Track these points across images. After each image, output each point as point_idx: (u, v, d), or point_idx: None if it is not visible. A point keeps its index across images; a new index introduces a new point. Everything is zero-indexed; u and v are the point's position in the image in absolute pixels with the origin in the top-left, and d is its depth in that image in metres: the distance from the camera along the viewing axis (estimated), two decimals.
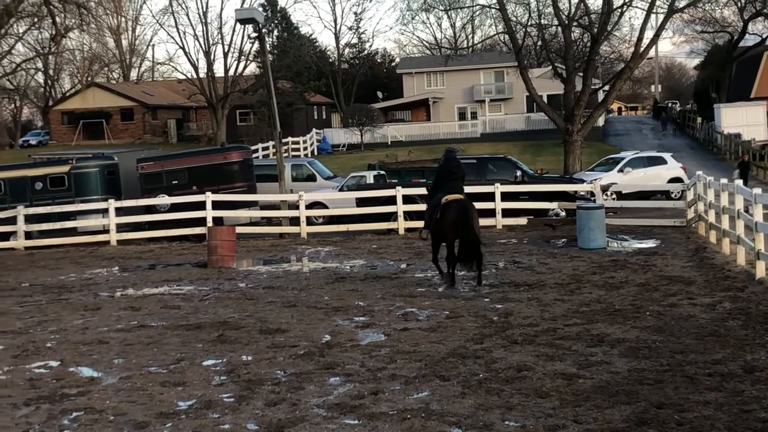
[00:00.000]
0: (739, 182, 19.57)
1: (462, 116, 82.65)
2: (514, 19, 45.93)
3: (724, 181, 20.43)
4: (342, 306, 15.70)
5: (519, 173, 30.22)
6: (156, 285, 19.92)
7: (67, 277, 22.35)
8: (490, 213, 28.07)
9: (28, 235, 30.44)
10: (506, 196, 28.27)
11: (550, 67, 48.66)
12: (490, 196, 27.94)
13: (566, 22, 42.49)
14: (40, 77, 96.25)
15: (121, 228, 30.38)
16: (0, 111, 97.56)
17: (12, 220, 30.33)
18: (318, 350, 12.20)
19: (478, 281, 17.68)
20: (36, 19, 35.05)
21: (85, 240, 30.25)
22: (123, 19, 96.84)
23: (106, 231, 30.11)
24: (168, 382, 10.87)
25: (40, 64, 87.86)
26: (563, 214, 28.80)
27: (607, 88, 46.98)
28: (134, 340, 13.49)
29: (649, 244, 23.28)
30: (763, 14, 66.72)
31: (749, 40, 72.34)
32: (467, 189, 27.88)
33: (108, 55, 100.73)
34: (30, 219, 30.46)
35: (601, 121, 66.32)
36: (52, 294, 19.21)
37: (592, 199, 27.19)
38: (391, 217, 28.74)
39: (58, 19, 32.67)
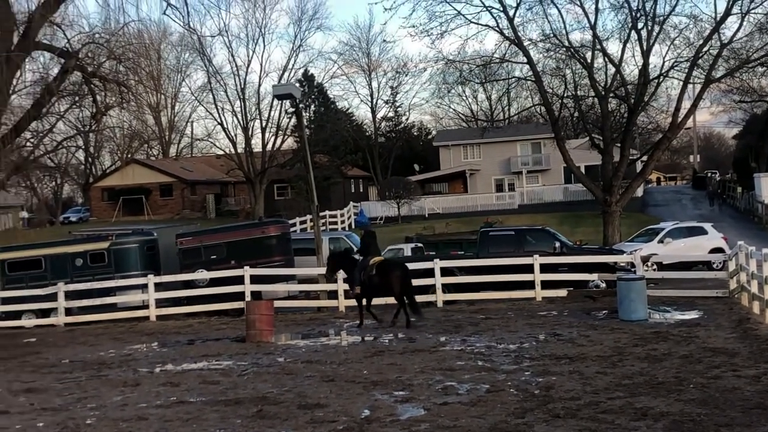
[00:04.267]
0: None
1: (499, 188, 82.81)
2: (550, 90, 46.17)
3: (766, 251, 20.21)
4: (381, 380, 15.57)
5: (558, 245, 30.11)
6: (195, 360, 19.88)
7: (107, 353, 22.38)
8: (530, 285, 27.94)
9: (69, 312, 30.66)
10: (545, 268, 28.06)
11: (588, 138, 48.64)
12: (529, 268, 27.81)
13: (603, 93, 42.60)
14: (80, 155, 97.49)
15: (160, 303, 30.46)
16: (41, 189, 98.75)
17: (53, 297, 30.58)
18: (357, 425, 12.07)
19: (407, 324, 23.04)
20: (77, 98, 35.49)
21: (124, 316, 30.36)
22: (162, 97, 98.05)
23: (145, 306, 30.22)
24: None
25: (80, 142, 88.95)
26: (603, 285, 28.56)
27: (645, 158, 46.87)
28: (173, 417, 13.43)
29: (692, 315, 22.96)
30: None
31: None
32: (507, 261, 28.29)
33: (147, 132, 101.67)
34: (70, 295, 30.70)
35: (639, 192, 66.07)
36: (91, 370, 19.23)
37: (633, 270, 26.94)
38: (429, 289, 28.57)
39: (98, 98, 33.14)
